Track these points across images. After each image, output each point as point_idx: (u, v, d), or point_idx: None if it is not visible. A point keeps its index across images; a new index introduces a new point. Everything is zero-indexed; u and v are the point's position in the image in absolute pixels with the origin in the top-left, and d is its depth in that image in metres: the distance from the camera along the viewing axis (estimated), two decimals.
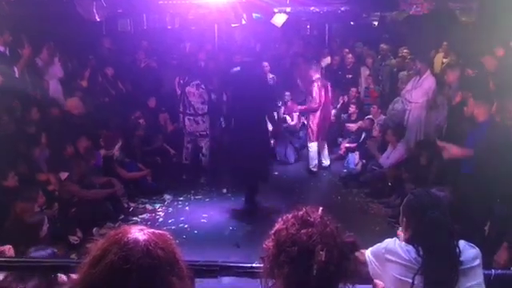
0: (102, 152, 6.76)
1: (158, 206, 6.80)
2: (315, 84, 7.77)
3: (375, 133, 7.84)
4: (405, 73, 8.53)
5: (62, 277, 3.55)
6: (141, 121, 7.87)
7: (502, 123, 4.87)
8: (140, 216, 6.44)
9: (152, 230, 1.31)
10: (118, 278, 1.18)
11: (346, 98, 9.32)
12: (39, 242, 3.99)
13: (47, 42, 7.46)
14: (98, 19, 7.85)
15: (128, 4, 9.24)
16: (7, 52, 6.82)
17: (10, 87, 6.39)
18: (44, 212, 5.10)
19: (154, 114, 8.48)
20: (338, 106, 9.35)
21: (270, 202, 6.64)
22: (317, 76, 7.85)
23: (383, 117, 8.33)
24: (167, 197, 7.03)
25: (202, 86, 7.48)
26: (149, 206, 6.74)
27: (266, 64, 8.78)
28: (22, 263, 3.10)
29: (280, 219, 1.68)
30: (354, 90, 9.33)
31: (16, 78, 6.62)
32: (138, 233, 1.27)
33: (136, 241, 1.24)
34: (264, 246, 1.66)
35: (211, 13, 9.69)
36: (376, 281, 2.17)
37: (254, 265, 2.48)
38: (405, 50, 8.93)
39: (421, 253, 2.02)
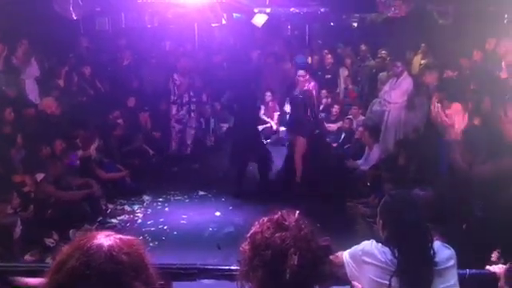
0: (80, 153, 6.65)
1: (136, 207, 6.72)
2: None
3: (358, 134, 7.88)
4: (385, 74, 8.62)
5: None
6: (119, 120, 7.77)
7: (477, 125, 4.95)
8: (118, 218, 6.36)
9: (120, 236, 1.29)
10: (80, 284, 1.17)
11: (329, 100, 9.38)
12: (12, 243, 3.90)
13: (21, 41, 7.30)
14: (75, 17, 7.71)
15: (106, 2, 9.12)
16: None
17: None
18: (19, 214, 4.99)
19: (134, 113, 8.40)
20: (321, 106, 9.40)
21: (250, 203, 6.64)
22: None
23: (362, 117, 8.42)
24: (146, 198, 6.96)
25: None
26: (127, 208, 6.66)
27: None
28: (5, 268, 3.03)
29: (256, 222, 1.68)
30: (324, 92, 9.38)
31: None
32: (104, 238, 1.25)
33: (99, 246, 1.22)
34: (240, 248, 1.66)
35: (190, 12, 9.63)
36: (354, 283, 2.19)
37: (232, 267, 2.47)
38: (383, 52, 9.03)
39: (396, 254, 2.04)
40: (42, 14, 7.81)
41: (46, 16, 7.83)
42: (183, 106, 8.44)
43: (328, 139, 8.71)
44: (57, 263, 1.23)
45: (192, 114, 8.56)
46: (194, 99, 8.59)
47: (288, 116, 8.06)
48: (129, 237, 1.32)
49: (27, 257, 4.51)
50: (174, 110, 8.42)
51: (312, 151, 7.08)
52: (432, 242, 2.06)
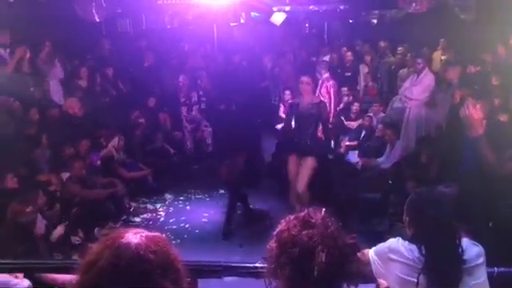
0: (102, 152, 6.77)
1: (159, 205, 6.81)
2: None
3: (378, 132, 7.80)
4: (405, 70, 8.53)
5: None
6: (141, 120, 7.87)
7: (504, 121, 4.86)
8: (141, 216, 6.47)
9: (146, 234, 1.30)
10: (109, 284, 1.18)
11: (350, 98, 9.32)
12: (32, 241, 3.99)
13: (45, 43, 7.46)
14: (98, 20, 7.84)
15: (127, 4, 9.23)
16: (7, 53, 6.82)
17: (10, 88, 6.39)
18: (45, 213, 5.09)
19: (154, 113, 8.49)
20: (342, 104, 9.35)
21: (271, 200, 6.66)
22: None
23: (383, 115, 8.34)
24: (168, 196, 7.05)
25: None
26: (150, 206, 6.76)
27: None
28: (24, 265, 3.12)
29: (283, 220, 1.70)
30: (344, 89, 9.33)
31: (16, 79, 6.62)
32: (131, 236, 1.26)
33: (127, 245, 1.23)
34: (267, 246, 1.67)
35: (210, 12, 9.68)
36: (380, 280, 2.18)
37: (257, 265, 2.50)
38: (403, 48, 8.92)
39: (423, 252, 2.03)
40: (64, 17, 7.95)
41: (68, 19, 7.98)
42: (193, 106, 8.55)
43: (348, 137, 8.66)
44: (86, 263, 1.25)
45: (204, 114, 8.65)
46: (204, 98, 8.66)
47: (286, 132, 6.27)
48: (155, 233, 1.33)
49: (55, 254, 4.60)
50: (184, 110, 8.54)
51: (322, 182, 5.97)
52: (460, 240, 2.04)
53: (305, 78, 5.75)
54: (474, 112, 2.99)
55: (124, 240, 1.25)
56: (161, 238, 1.32)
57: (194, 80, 8.62)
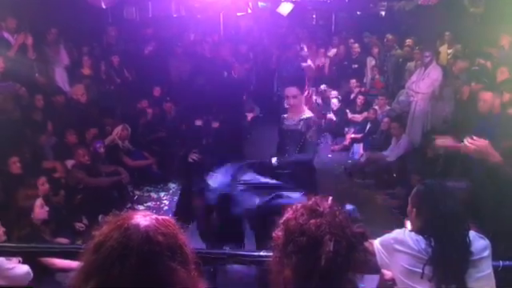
0: (107, 140, 6.77)
1: (162, 194, 6.83)
2: None
3: (383, 125, 7.77)
4: (412, 63, 8.47)
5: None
6: (149, 110, 7.86)
7: None
8: (145, 204, 6.49)
9: (155, 216, 1.31)
10: (118, 264, 1.19)
11: (362, 89, 9.30)
12: (30, 226, 4.00)
13: (50, 30, 7.44)
14: (104, 6, 7.80)
15: None
16: (14, 39, 6.81)
17: (16, 74, 6.39)
18: (50, 199, 5.11)
19: (159, 102, 8.48)
20: (353, 95, 9.32)
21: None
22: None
23: (388, 108, 8.31)
24: (172, 185, 7.05)
25: None
26: (154, 195, 6.78)
27: None
28: (32, 248, 3.14)
29: (290, 208, 1.68)
30: (353, 81, 9.33)
31: (22, 65, 6.62)
32: (140, 218, 1.27)
33: (136, 226, 1.24)
34: (273, 235, 1.66)
35: (217, 1, 9.62)
36: (384, 270, 2.18)
37: (261, 253, 2.50)
38: (410, 40, 8.84)
39: (432, 243, 2.02)
40: (70, 3, 7.92)
41: (74, 5, 7.94)
42: None
43: (353, 129, 8.63)
44: (95, 243, 1.25)
45: None
46: None
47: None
48: (164, 217, 1.34)
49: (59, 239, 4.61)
50: None
51: None
52: (469, 232, 2.03)
53: (291, 90, 4.19)
54: (477, 143, 2.90)
55: (133, 221, 1.26)
56: (170, 222, 1.33)
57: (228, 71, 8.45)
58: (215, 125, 4.06)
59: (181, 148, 8.03)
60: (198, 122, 3.90)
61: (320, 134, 4.50)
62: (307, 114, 4.29)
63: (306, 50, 9.88)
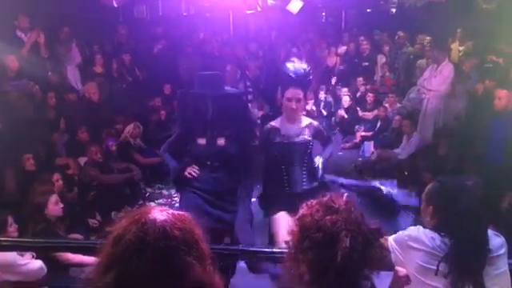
0: (122, 137, 6.84)
1: (173, 191, 6.86)
2: None
3: (395, 123, 7.73)
4: (423, 61, 8.41)
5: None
6: (160, 109, 7.90)
7: None
8: (156, 201, 6.53)
9: (172, 211, 1.33)
10: (135, 257, 1.21)
11: (367, 87, 9.27)
12: (45, 221, 4.05)
13: (62, 28, 7.51)
14: (116, 5, 7.85)
15: None
16: (25, 37, 6.89)
17: (29, 72, 6.46)
18: (64, 195, 5.16)
19: (170, 100, 8.52)
20: (358, 94, 9.31)
21: None
22: None
23: (399, 105, 8.27)
24: None
25: None
26: (165, 192, 6.83)
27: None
28: (47, 244, 3.18)
29: (304, 205, 1.70)
30: (360, 79, 9.35)
31: (35, 63, 6.69)
32: (158, 213, 1.29)
33: (153, 221, 1.26)
34: (289, 231, 1.67)
35: None
36: (397, 268, 2.18)
37: (274, 250, 2.51)
38: (425, 38, 8.76)
39: (449, 241, 2.02)
40: (82, 2, 7.98)
41: (86, 3, 8.00)
42: None
43: (363, 127, 8.60)
44: (114, 237, 1.27)
45: (249, 106, 7.99)
46: (251, 89, 8.35)
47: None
48: (181, 212, 1.36)
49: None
50: None
51: None
52: (487, 230, 2.03)
53: (297, 92, 3.64)
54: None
55: (151, 216, 1.28)
56: (186, 217, 1.34)
57: (242, 70, 8.25)
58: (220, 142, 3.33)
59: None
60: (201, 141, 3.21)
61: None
62: (307, 119, 3.84)
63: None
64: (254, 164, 3.87)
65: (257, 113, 9.40)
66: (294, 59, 3.89)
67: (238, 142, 3.70)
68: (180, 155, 3.87)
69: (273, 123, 3.78)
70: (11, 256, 3.54)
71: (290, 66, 3.66)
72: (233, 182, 3.72)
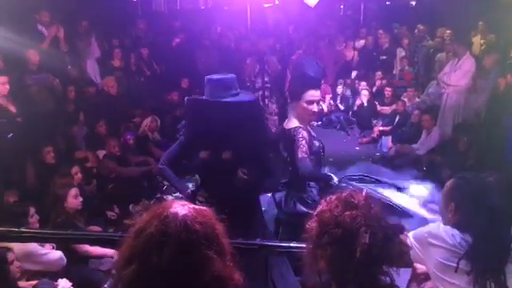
0: (139, 131, 6.90)
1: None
2: None
3: (414, 118, 7.62)
4: (443, 54, 8.27)
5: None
6: (178, 102, 7.93)
7: None
8: (174, 194, 6.55)
9: (193, 206, 1.34)
10: (156, 250, 1.22)
11: (384, 81, 9.17)
12: (65, 213, 4.12)
13: (81, 22, 7.59)
14: None
15: None
16: (46, 32, 6.98)
17: (49, 66, 6.54)
18: (83, 187, 5.24)
19: (188, 94, 8.54)
20: (375, 88, 9.22)
21: None
22: None
23: (418, 100, 8.16)
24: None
25: None
26: None
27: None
28: (67, 235, 3.24)
29: (323, 200, 1.69)
30: (379, 73, 9.26)
31: (55, 57, 6.77)
32: (179, 207, 1.31)
33: (175, 215, 1.28)
34: (307, 226, 1.67)
35: None
36: (416, 264, 2.16)
37: (291, 244, 2.51)
38: (447, 31, 8.60)
39: (470, 238, 1.99)
40: None
41: None
42: (256, 92, 7.70)
43: (381, 122, 8.51)
44: (136, 230, 1.29)
45: (266, 101, 7.92)
46: (269, 85, 7.99)
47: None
48: (202, 207, 1.37)
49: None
50: None
51: None
52: (510, 227, 2.00)
53: (316, 93, 3.39)
54: None
55: (172, 210, 1.30)
56: (207, 212, 1.36)
57: (261, 64, 7.96)
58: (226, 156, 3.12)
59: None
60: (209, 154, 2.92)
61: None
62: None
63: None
64: (272, 163, 3.60)
65: (274, 108, 9.36)
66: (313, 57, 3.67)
67: (250, 156, 3.20)
68: (181, 169, 3.58)
69: (305, 133, 3.31)
70: (32, 246, 3.62)
71: (310, 65, 3.36)
72: (247, 195, 3.26)
